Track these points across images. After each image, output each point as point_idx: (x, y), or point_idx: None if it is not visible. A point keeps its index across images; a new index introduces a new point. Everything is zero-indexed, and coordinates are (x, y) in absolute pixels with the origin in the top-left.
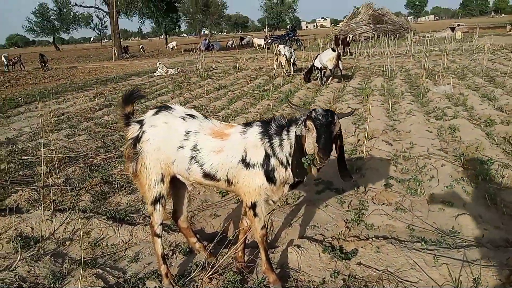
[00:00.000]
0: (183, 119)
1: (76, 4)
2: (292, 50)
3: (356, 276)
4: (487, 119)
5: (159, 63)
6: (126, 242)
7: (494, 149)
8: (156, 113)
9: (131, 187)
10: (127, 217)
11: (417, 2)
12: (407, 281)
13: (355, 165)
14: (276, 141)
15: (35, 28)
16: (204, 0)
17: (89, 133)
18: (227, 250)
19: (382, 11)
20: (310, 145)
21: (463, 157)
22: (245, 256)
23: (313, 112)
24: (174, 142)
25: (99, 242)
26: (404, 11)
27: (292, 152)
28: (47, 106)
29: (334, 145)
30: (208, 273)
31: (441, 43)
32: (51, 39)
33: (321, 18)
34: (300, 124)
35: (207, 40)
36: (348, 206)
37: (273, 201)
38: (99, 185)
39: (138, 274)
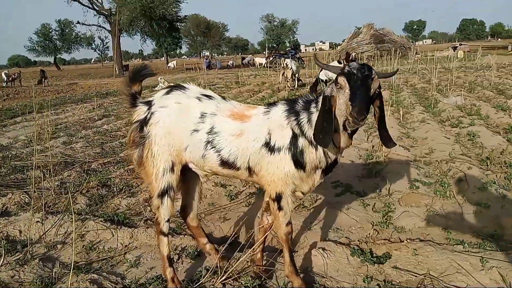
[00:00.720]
0: (199, 100)
1: (78, 22)
2: (298, 64)
3: (393, 282)
4: (505, 126)
5: (161, 78)
6: (126, 246)
7: None
8: (167, 93)
9: (131, 190)
10: (127, 220)
11: (415, 26)
12: (453, 285)
13: (374, 168)
14: (303, 117)
15: (36, 47)
16: (205, 23)
17: (87, 140)
18: (241, 253)
19: (384, 31)
20: (342, 105)
21: (489, 161)
22: (263, 259)
23: (346, 66)
24: (188, 124)
25: (95, 246)
26: (402, 35)
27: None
28: (45, 117)
29: (372, 107)
30: (221, 278)
31: (444, 61)
32: (52, 60)
33: (320, 42)
34: (330, 84)
35: (208, 60)
36: (373, 209)
37: (303, 193)
38: (96, 188)
39: (139, 280)
